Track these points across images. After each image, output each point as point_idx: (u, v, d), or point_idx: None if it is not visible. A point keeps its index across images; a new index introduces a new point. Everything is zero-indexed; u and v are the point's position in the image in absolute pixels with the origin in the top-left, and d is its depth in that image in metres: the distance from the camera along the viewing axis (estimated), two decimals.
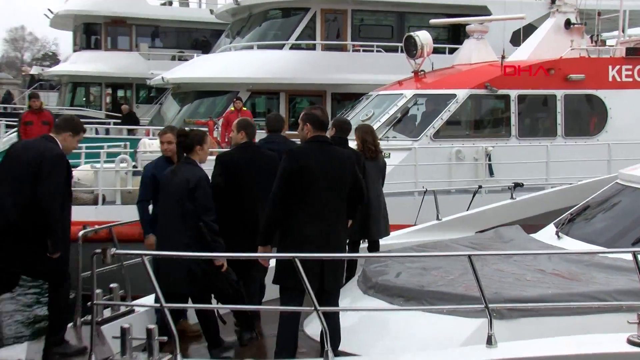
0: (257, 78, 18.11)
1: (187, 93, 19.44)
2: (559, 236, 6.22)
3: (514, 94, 11.92)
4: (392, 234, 7.61)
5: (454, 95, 11.75)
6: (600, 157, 11.79)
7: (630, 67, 12.45)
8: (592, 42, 13.30)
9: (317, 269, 4.60)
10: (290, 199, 4.66)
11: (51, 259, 4.79)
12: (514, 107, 11.93)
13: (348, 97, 19.05)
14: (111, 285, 5.40)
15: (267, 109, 20.01)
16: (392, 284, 5.25)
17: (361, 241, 6.87)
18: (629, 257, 4.46)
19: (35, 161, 4.82)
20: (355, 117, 12.28)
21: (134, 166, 10.64)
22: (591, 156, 11.72)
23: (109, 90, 27.62)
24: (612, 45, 13.54)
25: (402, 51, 13.18)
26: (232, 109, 15.45)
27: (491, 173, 11.58)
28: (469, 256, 4.27)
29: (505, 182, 10.87)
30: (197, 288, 4.99)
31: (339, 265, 4.82)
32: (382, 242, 7.07)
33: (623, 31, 14.29)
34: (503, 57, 12.36)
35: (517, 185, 8.55)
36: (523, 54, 13.12)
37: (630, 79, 12.46)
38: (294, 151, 4.83)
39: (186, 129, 5.48)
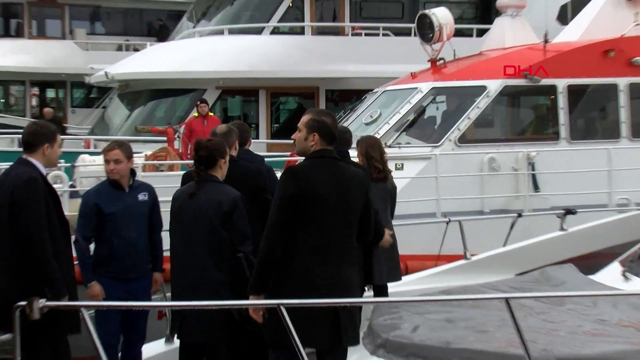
0: (229, 72, 18.15)
1: (139, 93, 19.49)
2: (626, 277, 6.21)
3: (562, 84, 11.96)
4: (409, 277, 7.52)
5: (484, 88, 11.76)
6: None
7: None
8: None
9: (328, 319, 4.65)
10: (289, 232, 4.72)
11: None
12: (562, 101, 11.96)
13: (347, 95, 19.09)
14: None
15: (243, 113, 20.04)
16: (408, 340, 5.18)
17: (366, 288, 6.86)
18: None
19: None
20: (357, 120, 12.29)
21: (72, 185, 10.63)
22: None
23: (36, 90, 27.69)
24: None
25: (415, 34, 13.23)
26: (196, 114, 15.44)
27: (536, 187, 11.56)
28: (507, 300, 4.25)
29: (554, 198, 10.87)
30: (234, 336, 5.34)
31: (356, 315, 4.90)
32: (393, 289, 7.02)
33: None
34: (546, 39, 12.37)
35: (569, 213, 8.51)
36: (573, 34, 13.18)
37: None
38: (296, 171, 4.84)
39: (202, 139, 5.71)
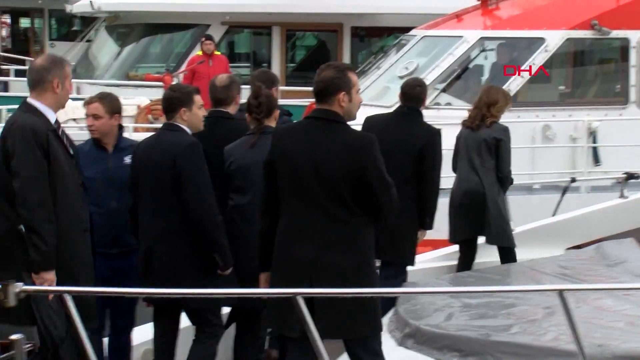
0: (237, 5, 18.19)
1: (130, 27, 19.55)
2: None
3: (636, 36, 12.00)
4: (440, 251, 7.71)
5: (542, 40, 11.83)
6: None
7: None
8: None
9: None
10: (277, 203, 4.94)
11: None
12: (635, 58, 12.02)
13: (377, 33, 19.12)
14: (13, 336, 5.25)
15: (253, 51, 20.08)
16: (442, 331, 5.34)
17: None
18: None
19: None
20: (389, 71, 12.40)
21: None
22: None
23: (7, 19, 27.73)
24: None
25: None
26: (200, 53, 15.58)
27: (596, 160, 11.67)
28: (560, 292, 4.28)
29: (617, 173, 10.99)
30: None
31: (339, 305, 4.80)
32: (421, 265, 7.22)
33: None
34: None
35: (631, 177, 8.62)
36: None
37: None
38: (275, 133, 5.08)
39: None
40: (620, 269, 6.31)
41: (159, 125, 6.63)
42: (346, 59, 18.93)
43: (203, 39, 15.79)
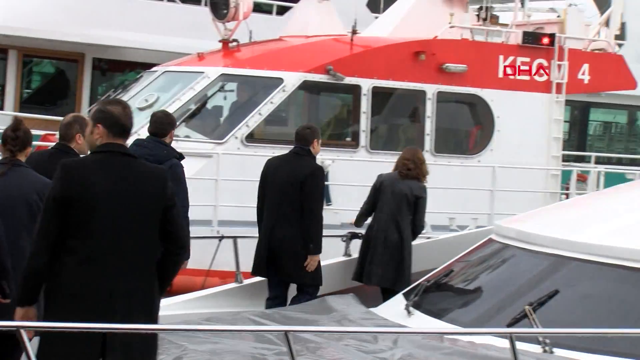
0: None
1: None
2: (409, 312, 6.62)
3: (367, 84, 12.67)
4: (165, 301, 7.90)
5: (280, 81, 12.25)
6: (482, 185, 12.90)
7: (527, 59, 13.78)
8: (478, 20, 14.50)
9: (97, 340, 4.78)
10: (58, 238, 4.90)
11: None
12: (365, 104, 12.67)
13: (119, 67, 19.04)
14: None
15: None
16: None
17: None
18: (502, 342, 5.02)
19: None
20: (130, 102, 12.36)
21: None
22: (469, 184, 12.77)
23: None
24: (506, 25, 14.74)
25: (206, 4, 13.58)
26: None
27: (327, 200, 12.12)
28: (286, 333, 4.48)
29: (347, 214, 11.47)
30: None
31: (144, 341, 4.96)
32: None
33: (522, 5, 15.68)
34: (355, 30, 13.09)
35: (355, 237, 9.03)
36: (384, 28, 14.00)
37: (527, 77, 13.79)
38: (69, 168, 4.97)
39: None
40: (342, 321, 6.59)
41: None
42: (86, 90, 18.76)
43: None
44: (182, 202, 7.40)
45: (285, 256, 8.30)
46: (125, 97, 12.72)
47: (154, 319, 5.11)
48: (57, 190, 4.90)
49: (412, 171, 9.07)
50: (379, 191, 9.10)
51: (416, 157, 9.22)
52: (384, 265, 8.73)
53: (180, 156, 7.86)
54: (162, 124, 7.86)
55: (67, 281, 4.87)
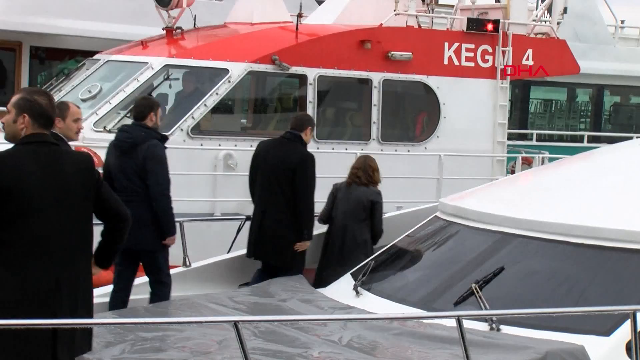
0: None
1: None
2: (357, 292, 6.75)
3: (312, 74, 12.67)
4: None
5: (226, 71, 12.18)
6: (429, 172, 12.97)
7: (472, 46, 13.87)
8: (423, 3, 14.57)
9: (48, 334, 4.79)
10: None
11: None
12: (312, 94, 12.66)
13: (58, 55, 18.77)
14: None
15: None
16: None
17: None
18: (450, 322, 5.07)
19: None
20: (72, 92, 12.25)
21: None
22: (416, 171, 12.83)
23: None
24: (452, 7, 14.77)
25: None
26: None
27: None
28: (235, 323, 4.46)
29: None
30: None
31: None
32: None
33: None
34: (300, 17, 13.06)
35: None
36: (328, 15, 13.96)
37: (472, 64, 13.89)
38: (2, 157, 4.93)
39: None
40: (290, 304, 6.64)
41: None
42: (25, 79, 18.46)
43: None
44: (161, 180, 7.79)
45: (274, 240, 8.52)
46: (67, 87, 12.65)
47: (92, 305, 5.19)
48: None
49: (361, 179, 9.12)
50: (336, 198, 9.14)
51: (366, 165, 9.25)
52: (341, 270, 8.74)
53: (163, 137, 8.09)
54: (140, 107, 8.05)
55: (5, 272, 4.82)
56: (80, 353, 5.11)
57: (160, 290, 7.66)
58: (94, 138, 11.23)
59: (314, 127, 9.21)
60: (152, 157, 7.75)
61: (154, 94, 12.30)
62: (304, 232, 8.58)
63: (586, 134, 20.15)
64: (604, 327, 5.61)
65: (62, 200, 4.97)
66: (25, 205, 4.87)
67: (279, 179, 8.58)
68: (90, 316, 5.16)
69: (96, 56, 13.33)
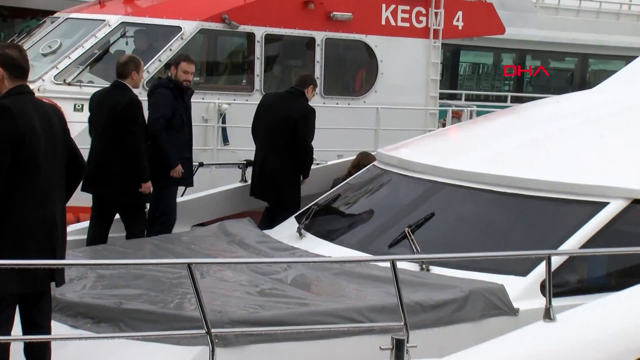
0: None
1: None
2: (301, 234, 6.81)
3: (260, 32, 12.57)
4: (74, 226, 7.72)
5: (179, 29, 12.06)
6: (368, 124, 12.97)
7: (407, 8, 13.80)
8: None
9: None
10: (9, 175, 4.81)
11: None
12: (259, 51, 12.58)
13: (20, 14, 18.35)
14: None
15: None
16: (76, 299, 5.37)
17: None
18: (384, 263, 5.11)
19: None
20: (33, 48, 12.01)
21: None
22: (356, 123, 12.84)
23: None
24: None
25: None
26: None
27: (225, 140, 12.09)
28: (189, 265, 4.41)
29: (244, 153, 11.47)
30: None
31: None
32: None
33: None
34: None
35: (251, 164, 9.06)
36: None
37: (407, 24, 13.83)
38: (10, 108, 4.84)
39: None
40: (239, 245, 6.65)
41: None
42: None
43: None
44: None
45: (274, 183, 8.71)
46: (29, 43, 12.42)
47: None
48: (11, 130, 4.80)
49: None
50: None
51: (368, 163, 8.36)
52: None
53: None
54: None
55: (20, 213, 4.84)
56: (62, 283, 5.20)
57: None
58: (54, 90, 11.15)
59: (316, 86, 9.43)
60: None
61: (112, 50, 12.12)
62: (305, 171, 8.89)
63: (510, 94, 20.31)
64: (522, 268, 5.72)
65: (54, 145, 5.01)
66: (35, 150, 4.88)
67: (282, 128, 8.73)
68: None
69: (56, 14, 13.12)
